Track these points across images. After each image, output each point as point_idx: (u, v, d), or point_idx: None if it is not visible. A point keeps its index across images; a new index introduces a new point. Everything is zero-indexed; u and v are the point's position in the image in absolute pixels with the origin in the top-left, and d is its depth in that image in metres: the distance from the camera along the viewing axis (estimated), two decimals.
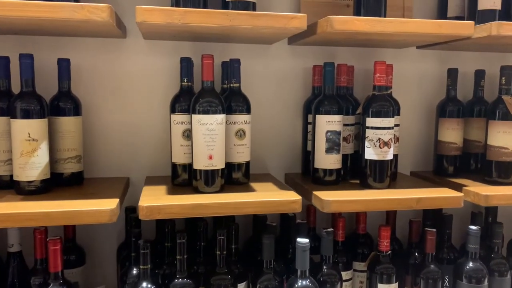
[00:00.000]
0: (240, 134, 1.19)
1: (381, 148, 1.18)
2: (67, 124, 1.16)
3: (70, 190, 1.14)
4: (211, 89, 1.11)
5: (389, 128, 1.18)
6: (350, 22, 1.04)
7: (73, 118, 1.17)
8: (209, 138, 1.08)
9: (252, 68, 1.36)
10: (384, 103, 1.19)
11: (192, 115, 1.09)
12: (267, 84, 1.38)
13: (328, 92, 1.23)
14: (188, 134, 1.14)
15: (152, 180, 1.26)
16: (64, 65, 1.17)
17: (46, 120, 1.08)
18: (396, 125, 1.29)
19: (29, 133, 1.05)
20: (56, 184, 1.16)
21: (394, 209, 1.31)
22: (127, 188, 1.28)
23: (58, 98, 1.16)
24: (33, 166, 1.05)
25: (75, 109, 1.18)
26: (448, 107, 1.38)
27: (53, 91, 1.18)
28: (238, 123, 1.19)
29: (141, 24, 0.97)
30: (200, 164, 1.09)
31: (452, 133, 1.38)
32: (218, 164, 1.10)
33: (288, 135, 1.41)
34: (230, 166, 1.20)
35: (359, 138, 1.25)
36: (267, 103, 1.38)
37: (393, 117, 1.19)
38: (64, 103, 1.16)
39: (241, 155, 1.20)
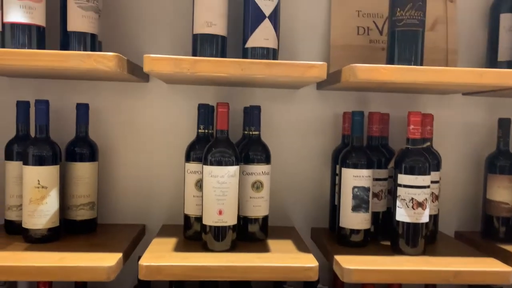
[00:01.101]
0: (257, 186, 1.11)
1: (414, 209, 1.05)
2: (82, 170, 1.14)
3: (80, 238, 1.10)
4: (225, 139, 1.04)
5: (424, 187, 1.05)
6: (375, 71, 0.94)
7: (89, 164, 1.15)
8: (220, 191, 1.01)
9: (278, 113, 1.28)
10: (419, 159, 1.06)
11: (204, 166, 1.02)
12: (293, 130, 1.29)
13: (356, 144, 1.12)
14: (201, 185, 1.08)
15: (166, 230, 1.20)
16: (82, 110, 1.16)
17: (57, 167, 1.06)
18: (435, 182, 1.15)
19: (38, 180, 1.03)
20: (68, 230, 1.13)
21: (427, 283, 1.15)
22: (142, 236, 1.23)
23: (75, 143, 1.15)
24: (41, 214, 1.03)
25: (91, 154, 1.16)
26: (499, 161, 1.22)
27: (71, 134, 1.16)
28: (255, 174, 1.11)
29: (150, 72, 0.93)
30: (209, 219, 1.02)
31: (503, 192, 1.21)
32: (229, 220, 1.02)
33: (315, 186, 1.31)
34: (245, 220, 1.11)
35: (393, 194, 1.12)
36: (293, 151, 1.29)
37: (429, 174, 1.06)
38: (81, 149, 1.14)
39: (258, 208, 1.11)
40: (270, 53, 1.05)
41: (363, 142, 1.13)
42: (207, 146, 1.04)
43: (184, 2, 1.21)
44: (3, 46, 0.94)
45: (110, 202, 1.26)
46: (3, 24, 0.94)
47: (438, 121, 1.25)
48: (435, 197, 1.17)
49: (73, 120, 1.17)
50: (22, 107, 1.12)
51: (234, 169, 1.02)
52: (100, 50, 1.15)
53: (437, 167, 1.18)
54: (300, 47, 1.27)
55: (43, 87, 1.22)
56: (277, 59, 1.08)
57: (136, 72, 1.07)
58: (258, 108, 1.13)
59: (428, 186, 1.06)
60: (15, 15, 0.93)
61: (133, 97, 1.25)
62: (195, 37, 1.05)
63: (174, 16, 1.23)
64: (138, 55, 1.20)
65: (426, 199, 1.05)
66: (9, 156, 1.11)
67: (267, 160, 1.13)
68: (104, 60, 0.90)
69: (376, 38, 1.27)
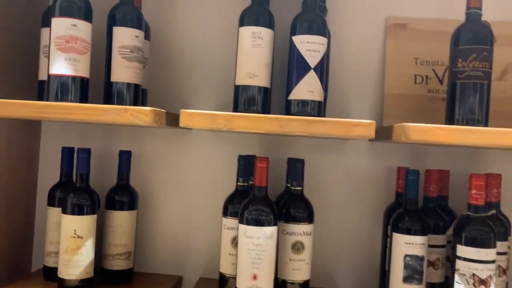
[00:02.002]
0: (298, 247, 1.03)
1: (475, 287, 0.91)
2: (121, 219, 1.12)
3: None
4: (263, 196, 0.98)
5: (487, 261, 0.91)
6: (430, 131, 0.84)
7: (128, 213, 1.13)
8: (255, 254, 0.94)
9: (324, 165, 1.20)
10: (482, 229, 0.93)
11: (239, 224, 0.97)
12: (341, 185, 1.20)
13: (410, 207, 1.01)
14: (237, 242, 1.02)
15: (203, 284, 1.15)
16: (125, 157, 1.15)
17: (94, 216, 1.05)
18: (502, 253, 1.01)
19: (75, 230, 1.02)
20: (104, 280, 1.11)
21: None
22: None
23: (115, 190, 1.14)
24: (76, 264, 1.02)
25: (131, 202, 1.14)
26: None
27: (112, 179, 1.16)
28: (296, 234, 1.03)
29: (186, 127, 0.90)
30: (243, 283, 0.95)
31: None
32: (264, 286, 0.94)
33: (364, 246, 1.20)
34: (284, 284, 1.03)
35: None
36: (340, 208, 1.20)
37: (494, 246, 0.92)
38: (120, 197, 1.13)
39: (298, 272, 1.03)
40: (314, 106, 0.99)
41: (417, 205, 1.02)
42: (244, 203, 0.98)
43: (228, 52, 1.19)
44: (47, 97, 0.96)
45: (147, 251, 1.23)
46: (49, 76, 0.96)
47: (507, 180, 1.11)
48: (503, 271, 1.02)
49: (115, 165, 1.16)
50: (67, 153, 1.13)
51: (271, 230, 0.95)
52: (144, 99, 1.15)
53: (504, 235, 1.03)
54: (351, 97, 1.19)
55: (88, 131, 1.24)
56: (323, 112, 1.01)
57: (176, 122, 1.05)
58: (301, 162, 1.06)
59: (493, 261, 0.92)
60: (60, 67, 0.94)
61: (175, 144, 1.23)
62: (237, 88, 1.01)
63: (218, 65, 1.21)
64: (181, 104, 1.20)
65: (490, 276, 0.91)
66: (51, 202, 1.12)
67: (309, 219, 1.05)
68: (141, 115, 0.88)
69: (435, 87, 1.16)
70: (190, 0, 1.23)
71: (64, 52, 0.94)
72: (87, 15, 0.97)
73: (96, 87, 1.04)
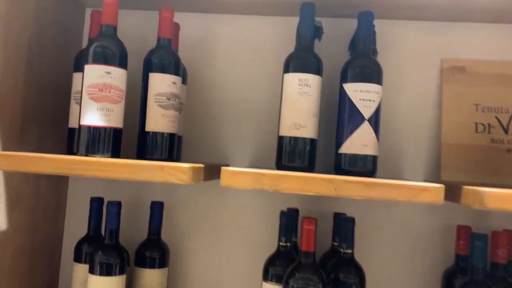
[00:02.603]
0: None
1: None
2: (151, 277, 1.03)
3: None
4: (310, 263, 0.87)
5: None
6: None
7: (158, 271, 1.04)
8: None
9: (373, 222, 1.09)
10: None
11: None
12: (392, 244, 1.08)
13: (477, 277, 0.88)
14: None
15: None
16: (156, 210, 1.07)
17: (123, 277, 0.96)
18: None
19: None
20: None
21: None
22: None
23: (145, 245, 1.05)
24: None
25: (162, 259, 1.05)
26: None
27: (142, 231, 1.07)
28: None
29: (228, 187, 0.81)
30: None
31: None
32: None
33: None
34: None
35: None
36: (391, 270, 1.08)
37: None
38: (151, 253, 1.04)
39: None
40: (369, 162, 0.89)
41: (486, 274, 0.89)
42: (289, 270, 0.88)
43: (269, 99, 1.11)
44: (77, 149, 0.89)
45: None
46: (80, 126, 0.89)
47: None
48: None
49: (145, 216, 1.08)
50: (96, 204, 1.05)
51: None
52: (179, 147, 1.07)
53: None
54: (403, 146, 1.08)
55: (116, 183, 1.16)
56: (376, 168, 0.91)
57: (214, 174, 0.96)
58: (352, 221, 0.95)
59: None
60: (92, 118, 0.87)
61: (211, 194, 1.14)
62: (281, 140, 0.92)
63: (258, 113, 1.13)
64: (217, 153, 1.12)
65: None
66: (78, 258, 1.04)
67: (361, 286, 0.93)
68: (178, 173, 0.79)
69: (499, 137, 1.05)
70: (229, 43, 1.16)
71: (96, 102, 0.87)
72: (122, 62, 0.90)
73: (129, 135, 0.97)
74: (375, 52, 1.03)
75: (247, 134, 1.13)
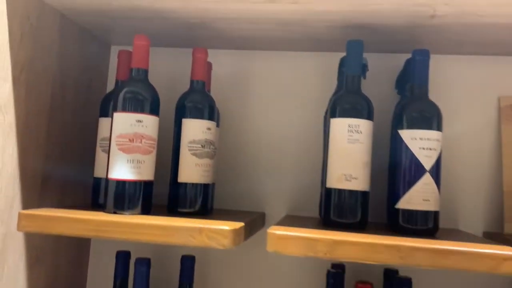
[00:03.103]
0: None
1: None
2: None
3: None
4: None
5: None
6: None
7: None
8: None
9: (432, 282, 0.98)
10: None
11: None
12: None
13: None
14: None
15: None
16: (187, 265, 0.97)
17: None
18: None
19: None
20: None
21: None
22: None
23: None
24: None
25: None
26: None
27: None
28: None
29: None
30: None
31: None
32: None
33: None
34: None
35: None
36: None
37: None
38: None
39: None
40: (430, 218, 0.78)
41: None
42: None
43: (310, 145, 1.02)
44: (104, 205, 0.80)
45: None
46: (107, 180, 0.80)
47: None
48: None
49: (176, 271, 0.98)
50: (122, 260, 0.96)
51: None
52: (212, 195, 0.98)
53: None
54: (459, 194, 0.98)
55: None
56: (438, 225, 0.80)
57: (255, 230, 0.87)
58: (407, 284, 0.84)
59: None
60: (121, 171, 0.79)
61: (248, 246, 1.04)
62: (329, 192, 0.83)
63: (297, 159, 1.04)
64: (252, 202, 1.03)
65: None
66: None
67: None
68: (218, 236, 0.70)
69: None
70: (263, 81, 1.08)
71: (126, 153, 0.79)
72: (154, 108, 0.83)
73: (159, 183, 0.88)
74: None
75: (284, 179, 1.04)
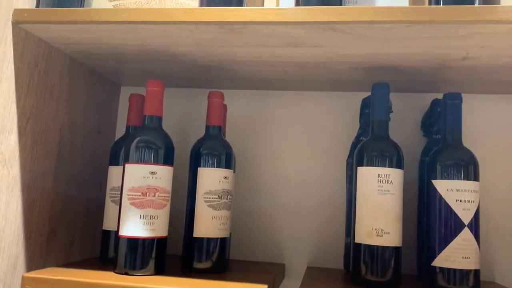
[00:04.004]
0: None
1: None
2: None
3: None
4: None
5: None
6: None
7: None
8: None
9: None
10: None
11: None
12: None
13: None
14: None
15: None
16: None
17: None
18: None
19: None
20: None
21: None
22: None
23: None
24: None
25: None
26: None
27: None
28: None
29: None
30: None
31: None
32: None
33: None
34: None
35: None
36: None
37: None
38: None
39: None
40: (471, 278, 0.72)
41: None
42: None
43: (334, 190, 0.96)
44: (115, 265, 0.74)
45: None
46: (118, 236, 0.74)
47: None
48: None
49: None
50: None
51: None
52: (229, 247, 0.91)
53: None
54: (495, 247, 0.91)
55: None
56: (479, 284, 0.73)
57: (276, 287, 0.80)
58: None
59: None
60: (133, 228, 0.73)
61: None
62: (358, 248, 0.76)
63: (319, 205, 0.98)
64: (272, 254, 0.97)
65: None
66: None
67: None
68: None
69: None
70: (282, 122, 1.03)
71: (139, 208, 0.74)
72: (168, 158, 0.77)
73: (172, 234, 0.82)
74: None
75: (304, 227, 0.98)
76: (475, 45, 0.70)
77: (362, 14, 0.64)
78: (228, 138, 0.98)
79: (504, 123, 0.95)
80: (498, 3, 0.69)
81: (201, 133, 0.85)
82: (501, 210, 0.92)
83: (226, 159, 0.82)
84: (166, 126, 0.81)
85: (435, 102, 0.89)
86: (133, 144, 0.75)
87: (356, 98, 0.96)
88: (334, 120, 1.01)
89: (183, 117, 1.05)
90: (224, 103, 0.95)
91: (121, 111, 1.07)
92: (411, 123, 0.97)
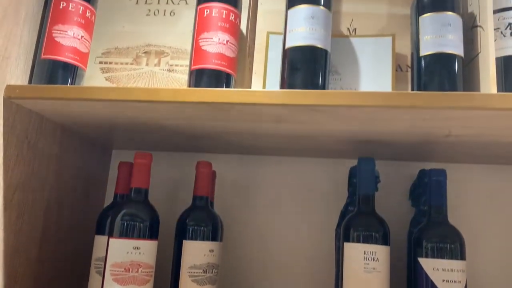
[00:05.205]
0: None
1: None
2: None
3: None
4: None
5: None
6: None
7: None
8: None
9: None
10: None
11: None
12: None
13: None
14: None
15: None
16: None
17: None
18: None
19: None
20: None
21: None
22: None
23: None
24: None
25: None
26: None
27: None
28: None
29: None
30: None
31: None
32: None
33: None
34: None
35: None
36: None
37: None
38: None
39: None
40: None
41: None
42: None
43: (324, 258, 0.95)
44: None
45: None
46: None
47: None
48: None
49: None
50: None
51: None
52: None
53: None
54: None
55: None
56: None
57: None
58: None
59: None
60: None
61: None
62: None
63: (309, 275, 0.96)
64: None
65: None
66: None
67: None
68: None
69: None
70: (271, 188, 1.03)
71: (121, 285, 0.73)
72: (153, 232, 0.77)
73: None
74: None
75: None
76: (457, 125, 0.72)
77: (342, 98, 0.66)
78: (217, 202, 0.98)
79: (490, 193, 0.95)
80: (479, 88, 0.71)
81: (190, 197, 0.85)
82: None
83: (212, 231, 0.82)
84: (155, 191, 0.82)
85: (422, 173, 0.89)
86: (118, 218, 0.75)
87: (345, 165, 0.97)
88: (323, 186, 1.01)
89: (172, 181, 1.05)
90: (214, 169, 0.96)
91: (112, 173, 1.08)
92: (400, 192, 0.97)
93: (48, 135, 0.85)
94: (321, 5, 0.74)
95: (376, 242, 0.75)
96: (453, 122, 0.70)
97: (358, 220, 0.78)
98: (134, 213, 0.76)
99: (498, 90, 0.69)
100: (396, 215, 0.92)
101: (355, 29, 0.84)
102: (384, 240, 0.76)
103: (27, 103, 0.76)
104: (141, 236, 0.75)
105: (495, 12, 0.74)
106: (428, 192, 0.79)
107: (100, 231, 0.88)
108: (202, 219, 0.82)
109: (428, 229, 0.77)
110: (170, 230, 0.87)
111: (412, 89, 0.76)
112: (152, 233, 0.76)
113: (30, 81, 0.78)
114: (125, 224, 0.75)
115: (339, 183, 0.98)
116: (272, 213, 1.01)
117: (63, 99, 0.72)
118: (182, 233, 0.81)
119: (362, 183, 0.80)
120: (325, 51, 0.74)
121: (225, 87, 0.76)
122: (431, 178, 0.79)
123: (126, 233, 0.74)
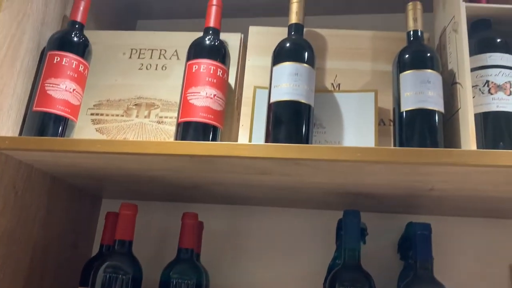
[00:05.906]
0: None
1: None
2: None
3: None
4: None
5: None
6: None
7: None
8: None
9: None
10: None
11: None
12: None
13: None
14: None
15: None
16: None
17: None
18: None
19: None
20: None
21: None
22: None
23: None
24: None
25: None
26: None
27: None
28: None
29: None
30: None
31: None
32: None
33: None
34: None
35: None
36: None
37: None
38: None
39: None
40: None
41: None
42: None
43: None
44: None
45: None
46: None
47: None
48: None
49: None
50: None
51: None
52: None
53: None
54: None
55: None
56: None
57: None
58: None
59: None
60: None
61: None
62: None
63: None
64: None
65: None
66: None
67: None
68: None
69: None
70: (257, 238, 1.02)
71: None
72: (135, 284, 0.77)
73: None
74: None
75: None
76: (439, 180, 0.72)
77: (324, 153, 0.67)
78: (203, 252, 0.97)
79: (476, 247, 0.94)
80: (460, 143, 0.72)
81: (176, 246, 0.85)
82: None
83: (196, 285, 0.81)
84: (141, 241, 0.81)
85: (409, 226, 0.89)
86: (100, 271, 0.75)
87: (333, 216, 0.96)
88: (312, 238, 1.00)
89: (160, 232, 1.05)
90: (201, 219, 0.96)
91: (101, 222, 1.07)
92: (388, 245, 0.96)
93: (37, 185, 0.86)
94: (304, 63, 0.77)
95: None
96: (434, 177, 0.71)
97: (344, 275, 0.77)
98: (117, 266, 0.76)
99: (478, 146, 0.70)
100: (385, 269, 0.91)
101: (339, 85, 0.86)
102: None
103: (16, 154, 0.77)
104: None
105: (473, 69, 0.77)
106: (414, 246, 0.79)
107: (83, 282, 0.87)
108: (186, 272, 0.81)
109: (414, 285, 0.75)
110: (155, 282, 0.86)
111: (394, 144, 0.77)
112: (134, 286, 0.76)
113: (21, 132, 0.80)
114: (108, 276, 0.74)
115: (328, 235, 0.97)
116: (259, 266, 1.00)
117: (51, 151, 0.74)
118: (165, 285, 0.80)
119: (348, 237, 0.80)
120: (309, 106, 0.76)
121: (211, 139, 0.78)
122: (416, 232, 0.79)
123: (108, 286, 0.74)
